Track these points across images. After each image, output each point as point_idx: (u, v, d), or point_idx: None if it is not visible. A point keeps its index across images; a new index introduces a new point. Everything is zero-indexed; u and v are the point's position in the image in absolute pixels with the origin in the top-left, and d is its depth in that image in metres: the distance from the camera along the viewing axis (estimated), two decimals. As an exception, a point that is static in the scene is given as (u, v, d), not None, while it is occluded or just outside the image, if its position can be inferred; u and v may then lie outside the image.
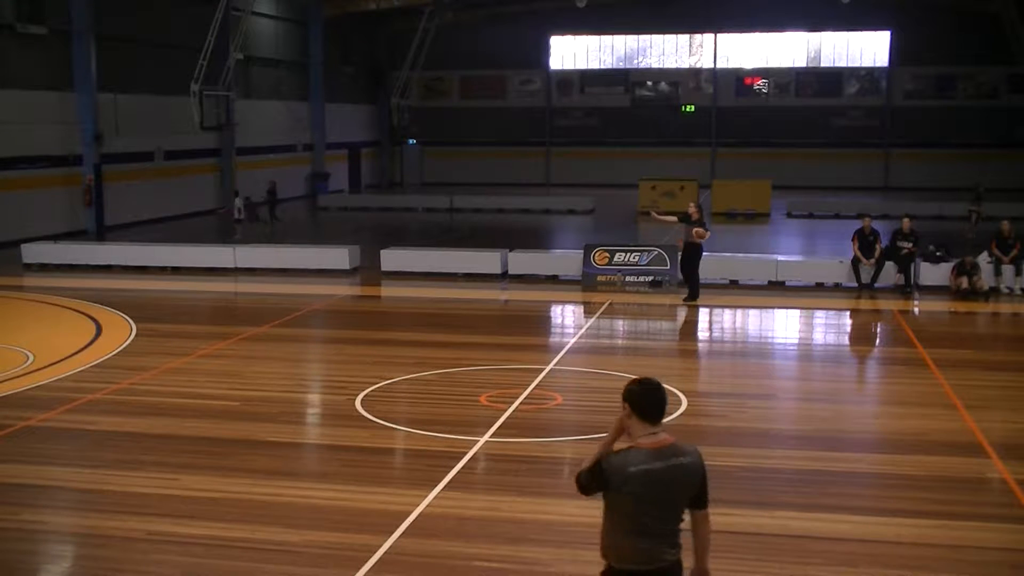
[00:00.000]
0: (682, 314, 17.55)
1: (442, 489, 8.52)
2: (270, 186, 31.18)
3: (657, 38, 49.40)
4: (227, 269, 21.66)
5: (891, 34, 46.57)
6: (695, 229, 17.73)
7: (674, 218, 18.96)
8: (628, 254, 19.84)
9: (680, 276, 19.00)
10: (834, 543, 7.50)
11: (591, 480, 4.49)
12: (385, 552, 7.27)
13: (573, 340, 15.22)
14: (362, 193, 46.00)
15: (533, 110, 50.32)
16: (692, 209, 18.12)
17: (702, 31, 48.56)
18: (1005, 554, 7.44)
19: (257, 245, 23.50)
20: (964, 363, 13.41)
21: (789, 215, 34.68)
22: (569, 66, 50.27)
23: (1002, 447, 9.67)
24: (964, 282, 18.26)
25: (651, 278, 19.52)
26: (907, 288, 18.91)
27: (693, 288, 17.96)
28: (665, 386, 11.83)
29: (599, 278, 19.68)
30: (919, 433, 10.27)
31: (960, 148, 45.37)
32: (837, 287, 19.47)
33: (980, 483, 8.98)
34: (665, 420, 11.50)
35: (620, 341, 16.21)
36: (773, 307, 18.12)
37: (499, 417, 10.60)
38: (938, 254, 19.37)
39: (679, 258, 18.45)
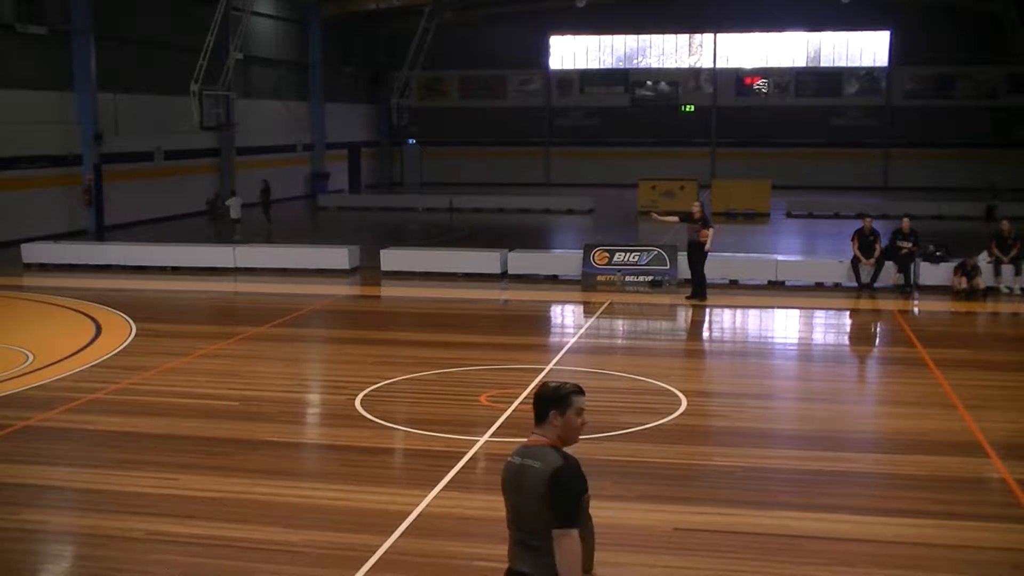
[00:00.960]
0: (682, 314, 17.56)
1: (442, 489, 8.52)
2: (264, 186, 31.14)
3: (657, 38, 49.41)
4: (227, 269, 21.66)
5: (891, 34, 46.58)
6: (701, 230, 17.69)
7: (675, 218, 18.92)
8: (628, 254, 19.84)
9: (679, 276, 19.05)
10: (833, 543, 7.49)
11: None
12: (385, 552, 7.27)
13: (573, 340, 15.22)
14: (362, 193, 46.00)
15: (533, 110, 50.32)
16: (695, 208, 18.09)
17: (702, 31, 48.57)
18: (1004, 554, 7.44)
19: (257, 245, 23.50)
20: (963, 363, 13.41)
21: (789, 215, 34.69)
22: (569, 66, 50.28)
23: (1002, 447, 9.67)
24: (963, 282, 18.27)
25: (651, 278, 19.53)
26: (907, 288, 18.91)
27: (699, 287, 17.92)
28: (664, 385, 11.75)
29: (599, 278, 19.68)
30: (919, 433, 10.27)
31: (960, 148, 45.39)
32: (837, 287, 19.47)
33: (980, 483, 8.98)
34: (664, 420, 11.47)
35: (620, 341, 16.21)
36: (773, 307, 18.12)
37: (499, 417, 10.60)
38: (938, 254, 19.38)
39: (688, 257, 18.34)
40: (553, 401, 4.38)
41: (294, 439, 10.19)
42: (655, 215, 20.18)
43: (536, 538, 4.23)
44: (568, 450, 4.38)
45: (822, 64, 47.98)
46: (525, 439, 4.48)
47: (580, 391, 4.47)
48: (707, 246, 17.71)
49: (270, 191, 31.25)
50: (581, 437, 4.52)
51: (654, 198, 35.21)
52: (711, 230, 17.88)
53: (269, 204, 30.79)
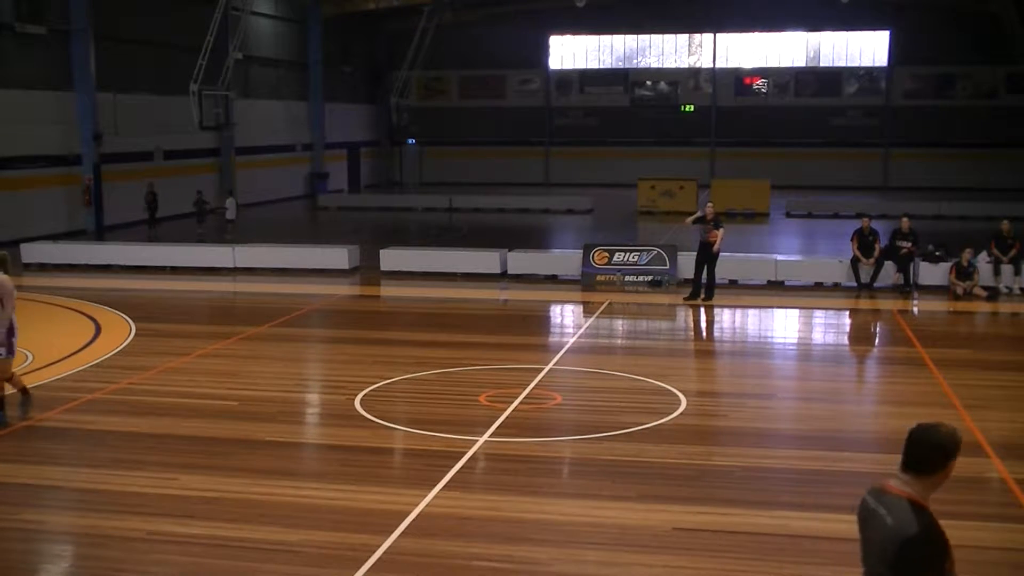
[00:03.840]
0: (682, 314, 17.55)
1: (441, 489, 8.51)
2: (149, 191, 30.08)
3: (656, 38, 49.43)
4: (226, 269, 21.66)
5: (890, 34, 46.59)
6: (712, 231, 17.67)
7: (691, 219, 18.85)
8: (627, 254, 19.85)
9: (679, 275, 19.07)
10: (834, 543, 7.49)
11: None
12: (385, 552, 7.26)
13: (572, 340, 15.21)
14: (361, 193, 46.01)
15: (532, 110, 50.33)
16: (708, 210, 18.08)
17: (701, 31, 48.58)
18: (1005, 554, 7.44)
19: (257, 245, 23.50)
20: (963, 363, 13.41)
21: (788, 215, 34.69)
22: (568, 66, 50.29)
23: (1002, 447, 9.66)
24: (960, 289, 18.25)
25: (650, 278, 19.53)
26: (906, 288, 18.92)
27: (708, 287, 17.85)
28: (664, 385, 11.61)
29: (598, 278, 19.68)
30: (919, 433, 10.25)
31: (959, 148, 45.40)
32: (836, 287, 19.48)
33: (980, 483, 8.97)
34: (664, 420, 11.41)
35: (619, 341, 16.20)
36: (773, 307, 18.12)
37: (498, 417, 10.60)
38: (937, 254, 19.38)
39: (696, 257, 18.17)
40: (954, 451, 3.75)
41: (294, 439, 10.19)
42: (688, 221, 19.28)
43: None
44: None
45: (822, 64, 47.98)
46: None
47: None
48: (716, 247, 17.68)
49: (157, 198, 29.90)
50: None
51: (653, 198, 35.25)
52: (721, 231, 17.87)
53: (155, 212, 28.94)
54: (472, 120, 50.13)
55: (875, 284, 19.03)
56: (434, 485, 8.56)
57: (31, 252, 22.51)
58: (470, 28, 48.00)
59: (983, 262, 18.78)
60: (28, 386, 10.94)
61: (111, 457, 9.47)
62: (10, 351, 10.24)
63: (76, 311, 17.01)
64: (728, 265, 19.87)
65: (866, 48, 47.44)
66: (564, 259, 21.12)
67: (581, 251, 20.31)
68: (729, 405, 11.42)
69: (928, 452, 3.79)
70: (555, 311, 18.44)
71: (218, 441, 9.97)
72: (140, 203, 29.08)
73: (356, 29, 45.89)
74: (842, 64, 47.74)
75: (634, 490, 8.52)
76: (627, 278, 19.61)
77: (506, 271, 20.85)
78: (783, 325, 17.39)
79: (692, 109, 48.92)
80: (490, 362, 13.21)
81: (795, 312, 17.88)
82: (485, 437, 9.92)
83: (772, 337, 16.42)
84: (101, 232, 28.39)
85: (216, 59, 31.17)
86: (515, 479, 8.84)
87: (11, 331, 10.22)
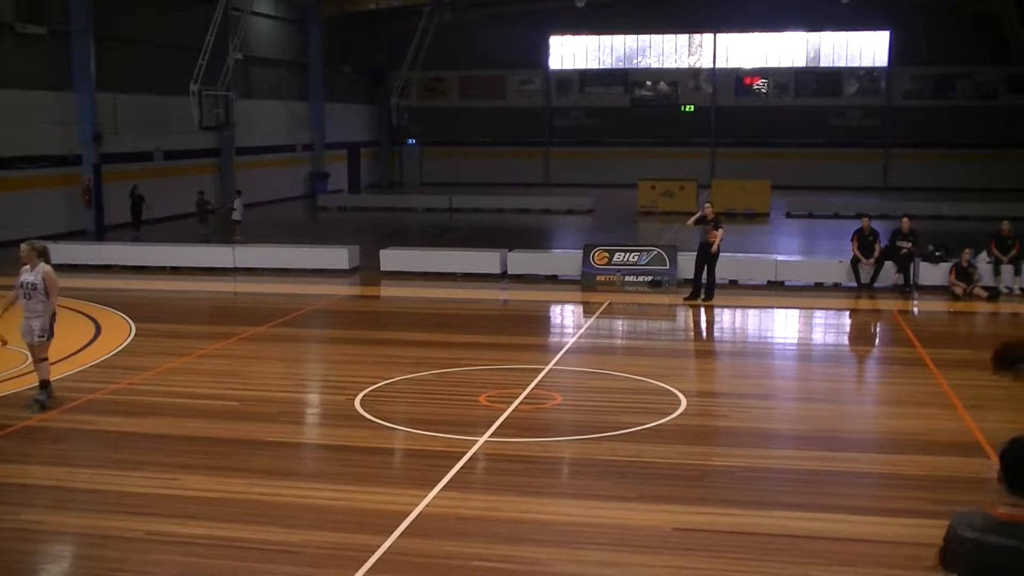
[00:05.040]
0: (682, 314, 17.56)
1: (441, 489, 8.51)
2: (134, 192, 30.43)
3: (656, 38, 49.40)
4: (226, 269, 21.66)
5: (890, 34, 46.57)
6: (711, 231, 17.69)
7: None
8: (627, 254, 19.84)
9: (679, 276, 19.07)
10: (834, 543, 7.49)
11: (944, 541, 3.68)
12: (384, 552, 7.26)
13: (572, 340, 15.21)
14: (361, 193, 46.02)
15: (532, 110, 50.31)
16: (707, 210, 18.10)
17: (701, 31, 48.56)
18: (1005, 554, 7.42)
19: (257, 245, 23.50)
20: (963, 363, 13.40)
21: (788, 215, 34.69)
22: (568, 66, 50.28)
23: (1001, 447, 9.64)
24: (960, 289, 18.25)
25: (650, 278, 19.52)
26: (906, 288, 18.92)
27: (708, 287, 17.86)
28: (664, 385, 11.59)
29: (598, 278, 19.68)
30: (919, 433, 10.27)
31: (959, 148, 45.39)
32: (837, 287, 19.48)
33: (980, 483, 8.97)
34: (664, 420, 11.41)
35: (619, 341, 16.21)
36: (773, 307, 18.12)
37: (498, 417, 10.60)
38: (937, 254, 19.38)
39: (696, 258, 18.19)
40: None
41: (294, 439, 10.19)
42: (689, 223, 19.21)
43: None
44: None
45: (822, 64, 47.96)
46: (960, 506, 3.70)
47: None
48: (714, 247, 17.68)
49: (143, 200, 29.76)
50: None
51: (654, 198, 35.25)
52: (721, 231, 17.87)
53: (140, 213, 29.44)
54: (472, 120, 50.12)
55: (875, 284, 19.03)
56: (434, 485, 8.56)
57: (31, 252, 22.46)
58: (470, 28, 47.97)
59: (983, 262, 18.78)
60: (29, 386, 10.95)
61: (111, 457, 9.47)
62: (50, 334, 10.91)
63: (76, 311, 17.00)
64: (728, 265, 19.84)
65: (866, 48, 47.42)
66: (564, 259, 21.12)
67: (581, 251, 20.30)
68: (729, 405, 11.42)
69: None
70: (555, 311, 18.45)
71: (218, 441, 9.97)
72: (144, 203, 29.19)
73: (356, 29, 45.90)
74: (842, 64, 47.72)
75: (634, 490, 8.52)
76: (627, 278, 19.61)
77: (506, 271, 20.85)
78: (783, 325, 17.39)
79: (692, 109, 48.90)
80: (490, 362, 13.21)
81: (795, 312, 17.88)
82: (485, 437, 9.92)
83: (772, 337, 16.42)
84: (101, 232, 28.38)
85: (216, 59, 31.15)
86: (515, 479, 8.84)
87: (53, 316, 10.92)
